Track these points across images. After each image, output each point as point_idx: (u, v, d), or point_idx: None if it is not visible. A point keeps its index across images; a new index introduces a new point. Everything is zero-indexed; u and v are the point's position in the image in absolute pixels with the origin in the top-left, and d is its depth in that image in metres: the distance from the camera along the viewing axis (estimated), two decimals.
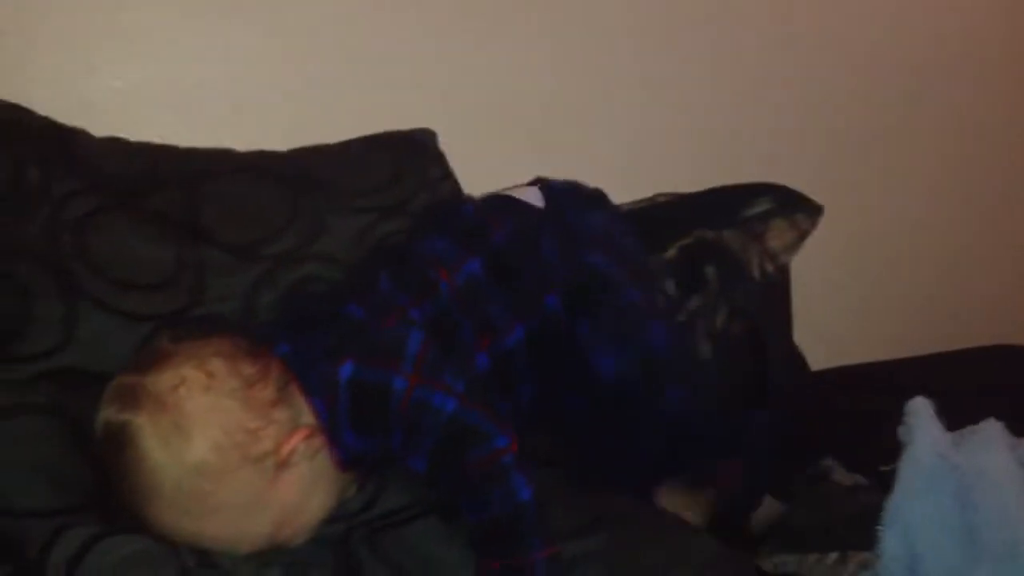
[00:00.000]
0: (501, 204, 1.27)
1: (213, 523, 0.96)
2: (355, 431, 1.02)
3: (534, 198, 1.27)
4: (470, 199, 1.35)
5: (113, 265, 1.17)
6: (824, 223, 1.45)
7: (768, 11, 1.72)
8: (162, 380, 0.97)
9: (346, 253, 1.30)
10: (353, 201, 1.33)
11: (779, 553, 1.09)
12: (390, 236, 1.32)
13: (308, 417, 1.02)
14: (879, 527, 1.04)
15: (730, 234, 1.49)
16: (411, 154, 1.42)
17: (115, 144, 1.28)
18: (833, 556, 1.05)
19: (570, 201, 1.28)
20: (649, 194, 1.51)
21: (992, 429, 1.11)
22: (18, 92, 1.23)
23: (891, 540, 1.04)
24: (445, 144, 1.46)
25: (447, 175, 1.44)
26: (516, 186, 1.32)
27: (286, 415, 1.01)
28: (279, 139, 1.36)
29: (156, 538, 0.96)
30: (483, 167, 1.42)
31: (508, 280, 1.16)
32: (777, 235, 1.47)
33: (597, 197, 1.34)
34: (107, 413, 0.98)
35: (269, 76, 1.45)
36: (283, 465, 0.99)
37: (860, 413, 1.20)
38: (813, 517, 1.12)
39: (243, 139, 1.34)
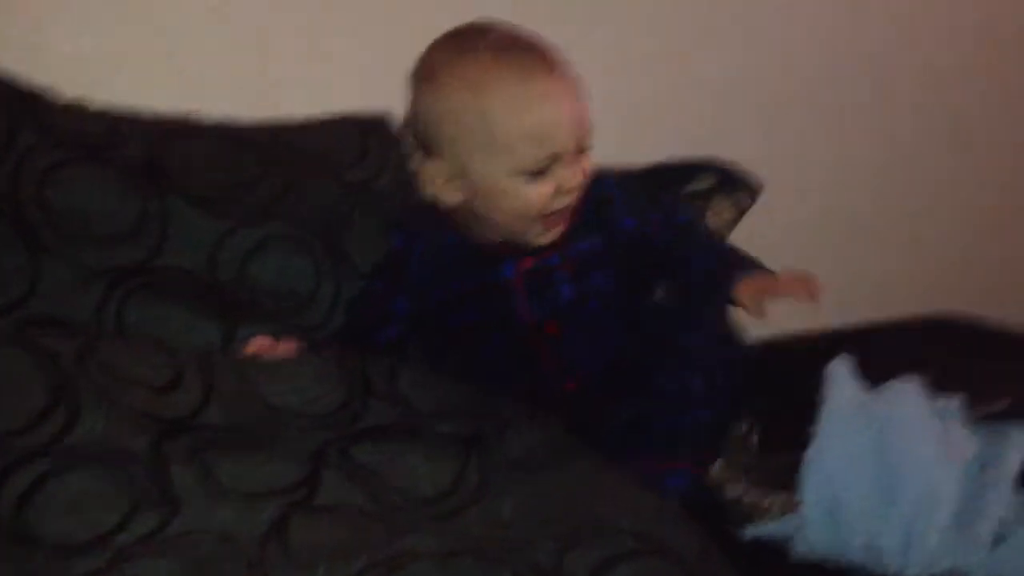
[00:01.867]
0: None
1: None
2: None
3: None
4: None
5: (73, 217, 1.21)
6: (763, 197, 1.51)
7: None
8: None
9: (315, 219, 1.33)
10: (321, 172, 1.37)
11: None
12: (357, 208, 1.36)
13: None
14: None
15: None
16: (376, 135, 1.46)
17: (79, 106, 1.31)
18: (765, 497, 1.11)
19: None
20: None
21: (909, 383, 1.16)
22: None
23: (811, 485, 1.08)
24: None
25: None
26: None
27: None
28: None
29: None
30: None
31: None
32: (717, 213, 1.53)
33: None
34: None
35: (234, 48, 1.49)
36: None
37: (794, 380, 1.25)
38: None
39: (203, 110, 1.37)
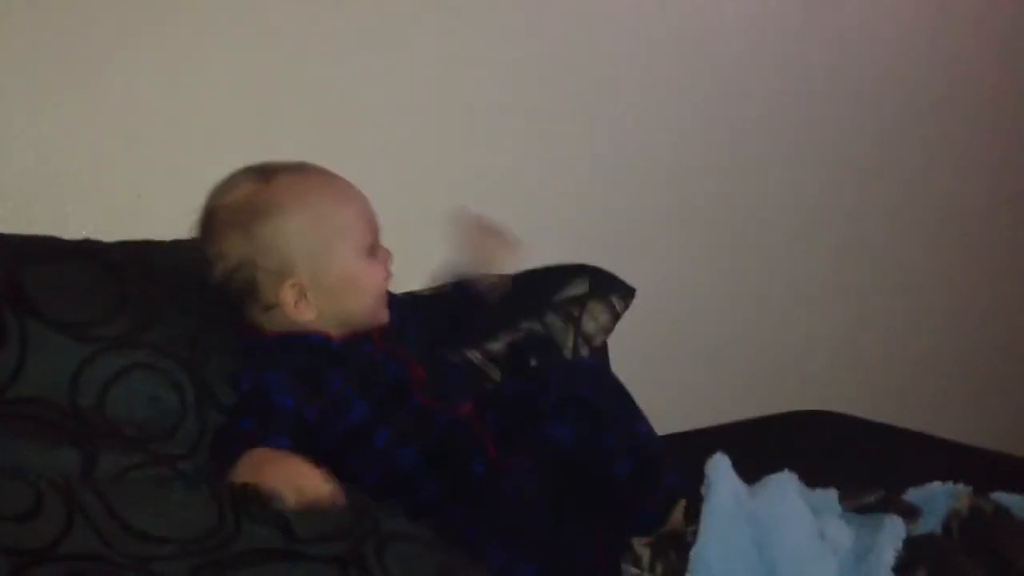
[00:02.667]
0: None
1: None
2: None
3: None
4: None
5: None
6: (637, 302, 1.54)
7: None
8: None
9: (179, 348, 1.30)
10: (185, 300, 1.34)
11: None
12: (221, 345, 1.32)
13: None
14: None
15: (553, 317, 1.57)
16: None
17: None
18: None
19: None
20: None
21: (784, 478, 1.18)
22: None
23: None
24: None
25: None
26: None
27: None
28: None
29: None
30: None
31: None
32: (593, 317, 1.56)
33: None
34: None
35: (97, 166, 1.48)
36: None
37: None
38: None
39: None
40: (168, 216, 1.48)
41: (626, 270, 1.60)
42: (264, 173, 1.29)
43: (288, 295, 1.27)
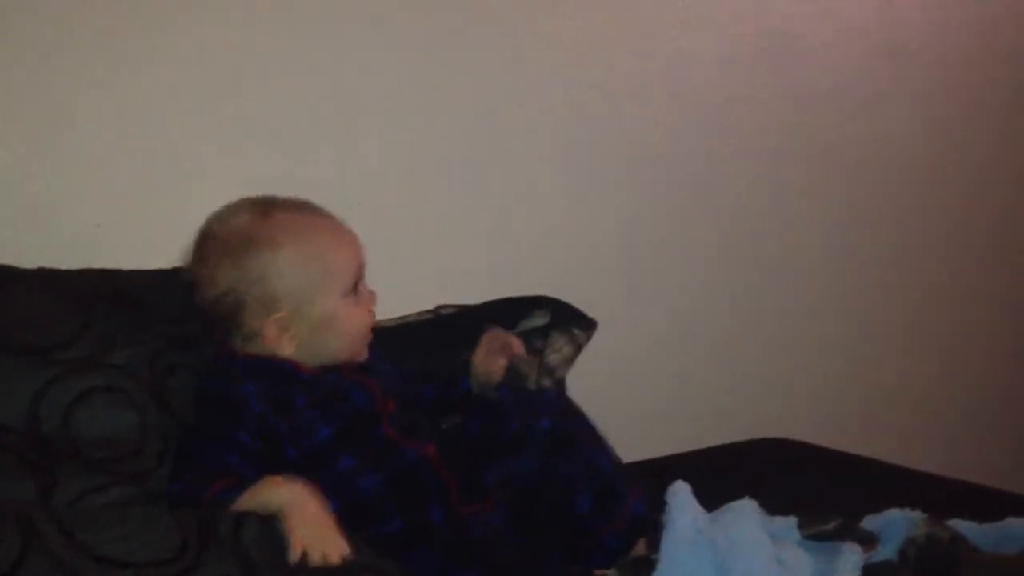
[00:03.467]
0: None
1: None
2: None
3: None
4: None
5: None
6: (603, 329, 1.55)
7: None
8: None
9: (140, 370, 1.30)
10: (146, 326, 1.34)
11: None
12: (179, 366, 1.34)
13: None
14: None
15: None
16: None
17: None
18: None
19: None
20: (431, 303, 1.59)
21: (743, 505, 1.19)
22: None
23: None
24: None
25: None
26: None
27: None
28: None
29: None
30: None
31: None
32: (556, 349, 1.57)
33: None
34: None
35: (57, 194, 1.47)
36: None
37: None
38: None
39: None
40: (128, 246, 1.49)
41: (586, 299, 1.61)
42: (264, 206, 1.31)
43: (271, 328, 1.29)
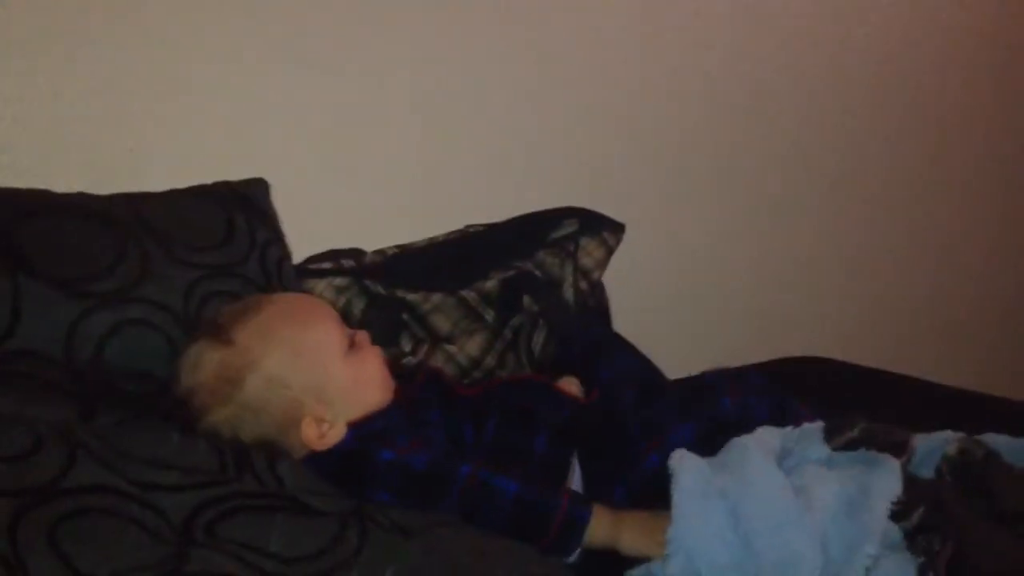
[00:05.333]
0: None
1: None
2: None
3: None
4: None
5: None
6: (635, 248, 1.55)
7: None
8: None
9: (175, 302, 1.31)
10: (183, 254, 1.35)
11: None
12: (216, 294, 1.34)
13: None
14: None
15: (545, 255, 1.58)
16: (242, 211, 1.44)
17: None
18: None
19: None
20: (460, 224, 1.59)
21: (744, 443, 1.18)
22: None
23: (677, 567, 1.08)
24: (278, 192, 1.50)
25: (277, 238, 1.47)
26: None
27: None
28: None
29: None
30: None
31: None
32: (588, 253, 1.58)
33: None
34: None
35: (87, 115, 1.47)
36: None
37: None
38: None
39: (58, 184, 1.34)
40: (161, 169, 1.49)
41: (617, 213, 1.61)
42: (221, 333, 1.23)
43: (310, 432, 1.22)
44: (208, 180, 1.46)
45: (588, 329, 1.51)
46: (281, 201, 1.50)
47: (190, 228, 1.38)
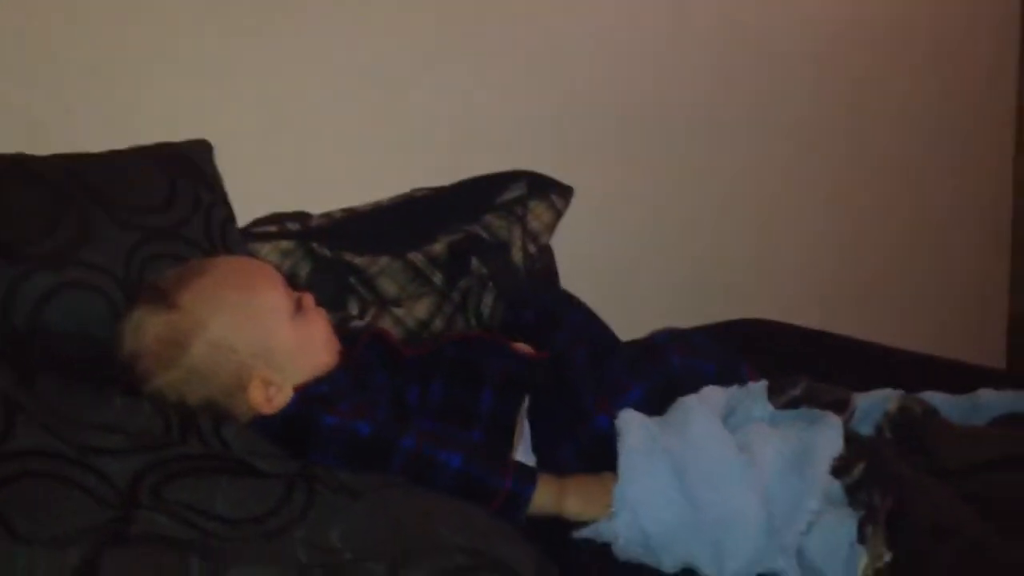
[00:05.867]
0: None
1: None
2: None
3: None
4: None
5: None
6: (581, 213, 1.55)
7: None
8: None
9: (116, 264, 1.29)
10: (123, 216, 1.33)
11: None
12: (158, 257, 1.32)
13: None
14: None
15: (493, 218, 1.58)
16: (185, 173, 1.42)
17: None
18: None
19: None
20: (407, 188, 1.58)
21: (689, 403, 1.19)
22: None
23: (623, 525, 1.10)
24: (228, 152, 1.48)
25: (221, 200, 1.45)
26: None
27: None
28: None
29: None
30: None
31: None
32: (536, 216, 1.58)
33: None
34: None
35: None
36: None
37: None
38: None
39: None
40: (100, 130, 1.46)
41: (567, 174, 1.61)
42: (164, 297, 1.21)
43: (257, 395, 1.21)
44: (149, 142, 1.44)
45: (543, 294, 1.51)
46: (225, 164, 1.48)
47: (131, 190, 1.36)
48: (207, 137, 1.48)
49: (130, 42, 1.50)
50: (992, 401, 1.26)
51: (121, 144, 1.42)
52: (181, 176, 1.41)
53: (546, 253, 1.63)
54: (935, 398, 1.28)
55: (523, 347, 1.36)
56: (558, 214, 1.62)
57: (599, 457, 1.18)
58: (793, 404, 1.22)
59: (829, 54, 2.24)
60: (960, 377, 1.39)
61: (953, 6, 2.42)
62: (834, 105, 2.27)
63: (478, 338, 1.37)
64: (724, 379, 1.28)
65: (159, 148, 1.44)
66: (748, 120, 2.14)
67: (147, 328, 1.20)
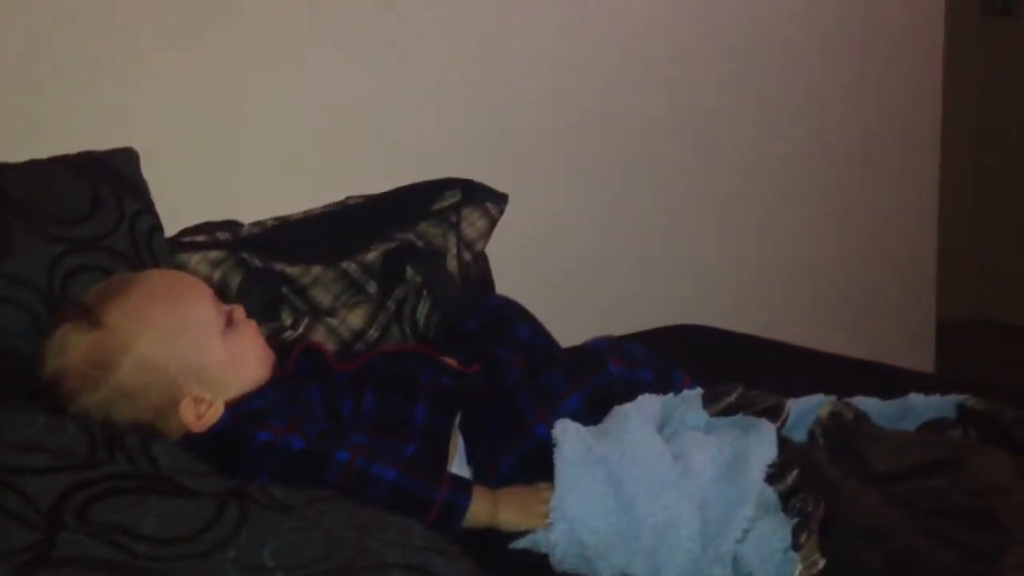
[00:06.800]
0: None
1: None
2: None
3: None
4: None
5: None
6: (517, 220, 1.54)
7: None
8: None
9: (38, 277, 1.26)
10: (46, 227, 1.29)
11: None
12: (82, 269, 1.29)
13: None
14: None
15: (427, 225, 1.57)
16: (109, 182, 1.39)
17: None
18: None
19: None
20: (339, 197, 1.56)
21: (625, 411, 1.19)
22: None
23: (559, 535, 1.10)
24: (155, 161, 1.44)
25: (146, 209, 1.43)
26: None
27: None
28: None
29: None
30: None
31: None
32: (471, 223, 1.58)
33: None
34: None
35: None
36: None
37: None
38: None
39: None
40: (19, 140, 1.42)
41: (499, 181, 1.61)
42: (89, 315, 1.18)
43: (189, 413, 1.18)
44: (72, 151, 1.40)
45: (485, 301, 1.50)
46: (153, 172, 1.45)
47: (52, 200, 1.32)
48: (133, 145, 1.45)
49: (52, 46, 1.46)
50: (920, 406, 1.28)
51: (42, 154, 1.38)
52: (104, 185, 1.38)
53: (481, 261, 1.63)
54: (866, 403, 1.29)
55: (452, 361, 1.34)
56: (493, 221, 1.61)
57: (540, 467, 1.17)
58: (728, 411, 1.23)
59: (752, 48, 2.27)
60: (891, 381, 1.42)
61: (881, 14, 2.47)
62: (767, 120, 2.30)
63: (405, 351, 1.36)
64: (660, 386, 1.29)
65: (80, 157, 1.41)
66: (690, 129, 2.16)
67: (71, 348, 1.17)
